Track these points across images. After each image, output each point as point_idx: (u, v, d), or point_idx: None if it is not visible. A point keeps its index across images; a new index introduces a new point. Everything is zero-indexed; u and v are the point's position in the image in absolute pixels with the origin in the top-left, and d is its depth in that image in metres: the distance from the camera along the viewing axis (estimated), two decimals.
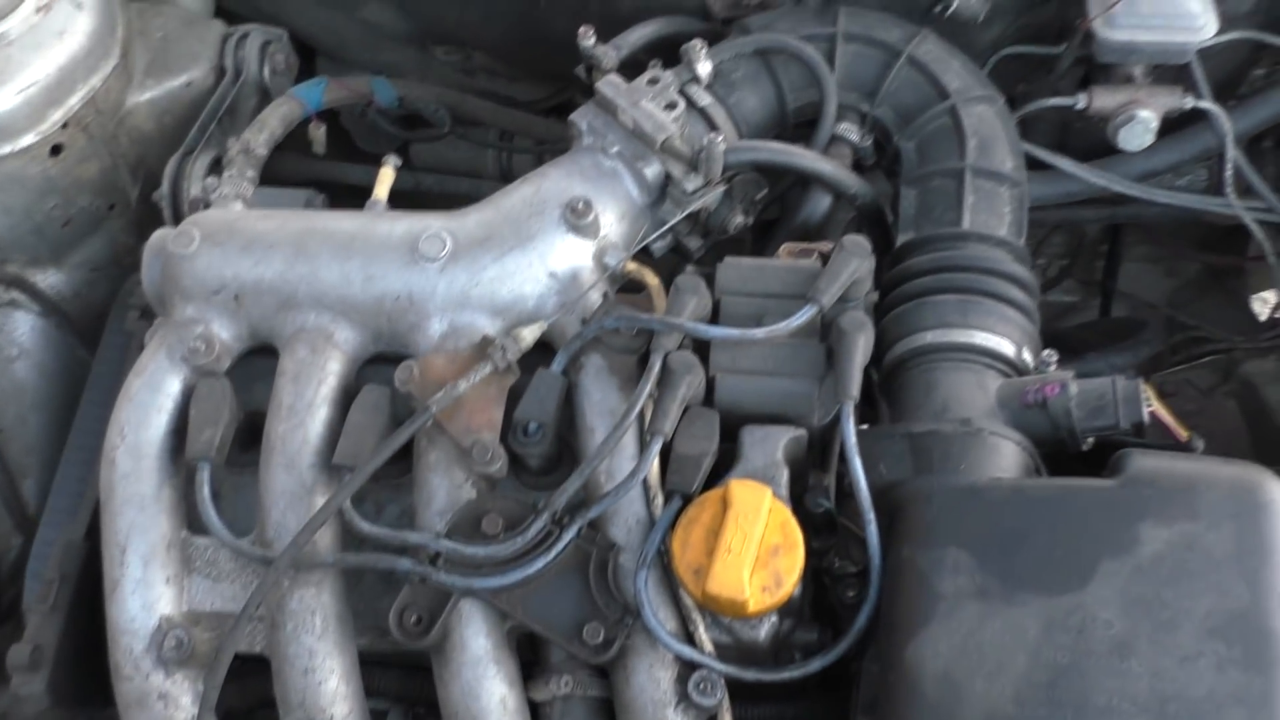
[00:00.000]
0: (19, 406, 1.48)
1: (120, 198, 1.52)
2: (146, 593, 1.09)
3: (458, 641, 1.05)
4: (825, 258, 1.16)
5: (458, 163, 1.79)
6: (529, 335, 1.12)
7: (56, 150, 1.40)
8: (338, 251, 1.17)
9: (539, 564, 1.03)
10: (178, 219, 1.42)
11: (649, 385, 1.06)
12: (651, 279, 1.18)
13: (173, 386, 1.16)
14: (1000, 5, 1.38)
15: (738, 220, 1.26)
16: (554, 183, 1.20)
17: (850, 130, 1.32)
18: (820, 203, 1.31)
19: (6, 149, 1.35)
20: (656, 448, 1.04)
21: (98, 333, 1.51)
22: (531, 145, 1.73)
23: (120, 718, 1.08)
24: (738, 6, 1.41)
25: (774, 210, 1.39)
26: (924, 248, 1.22)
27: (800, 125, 1.35)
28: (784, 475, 1.05)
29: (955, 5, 1.35)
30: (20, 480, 1.48)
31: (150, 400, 1.15)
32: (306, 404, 1.13)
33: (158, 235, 1.22)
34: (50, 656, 1.15)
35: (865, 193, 1.29)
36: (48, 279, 1.49)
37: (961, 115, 1.28)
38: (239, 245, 1.18)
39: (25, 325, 1.48)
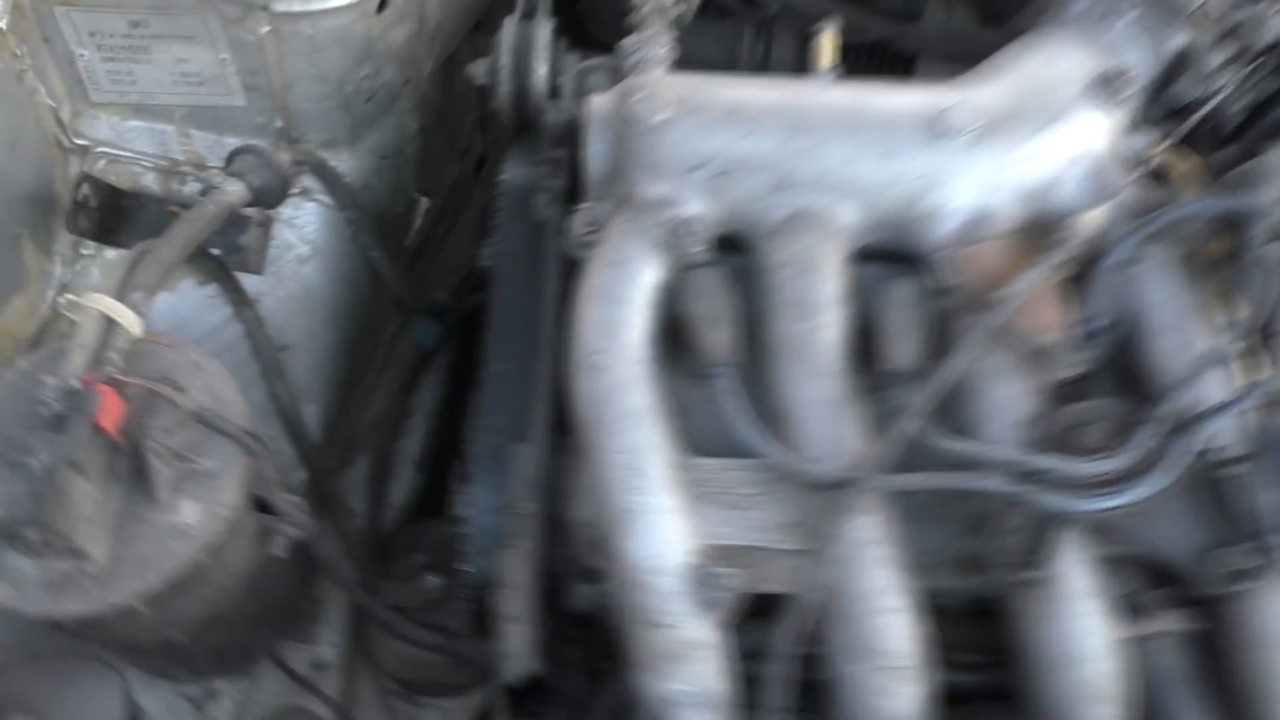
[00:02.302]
0: (308, 319, 1.25)
1: (415, 72, 1.29)
2: (669, 524, 0.91)
3: (1058, 574, 0.90)
4: None
5: (705, 52, 1.61)
6: (1086, 224, 0.98)
7: (383, 5, 1.16)
8: (843, 125, 0.99)
9: (1158, 482, 0.90)
10: (522, 98, 1.20)
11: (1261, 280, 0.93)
12: (1183, 163, 1.05)
13: (648, 278, 0.96)
14: None
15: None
16: (1069, 53, 1.04)
17: None
18: None
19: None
20: None
21: (382, 232, 1.29)
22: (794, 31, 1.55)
23: (641, 671, 0.90)
24: None
25: None
26: None
27: None
28: None
29: None
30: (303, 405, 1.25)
31: (629, 295, 0.96)
32: (821, 300, 0.96)
33: (604, 102, 1.01)
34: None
35: None
36: (340, 165, 1.25)
37: None
38: (720, 114, 0.99)
39: (317, 220, 1.24)
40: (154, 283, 0.99)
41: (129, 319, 0.95)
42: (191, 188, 1.20)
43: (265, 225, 1.15)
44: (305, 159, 1.20)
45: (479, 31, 1.44)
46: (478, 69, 1.23)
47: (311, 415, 1.26)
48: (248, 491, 0.95)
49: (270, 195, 1.12)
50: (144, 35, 1.11)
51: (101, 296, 0.94)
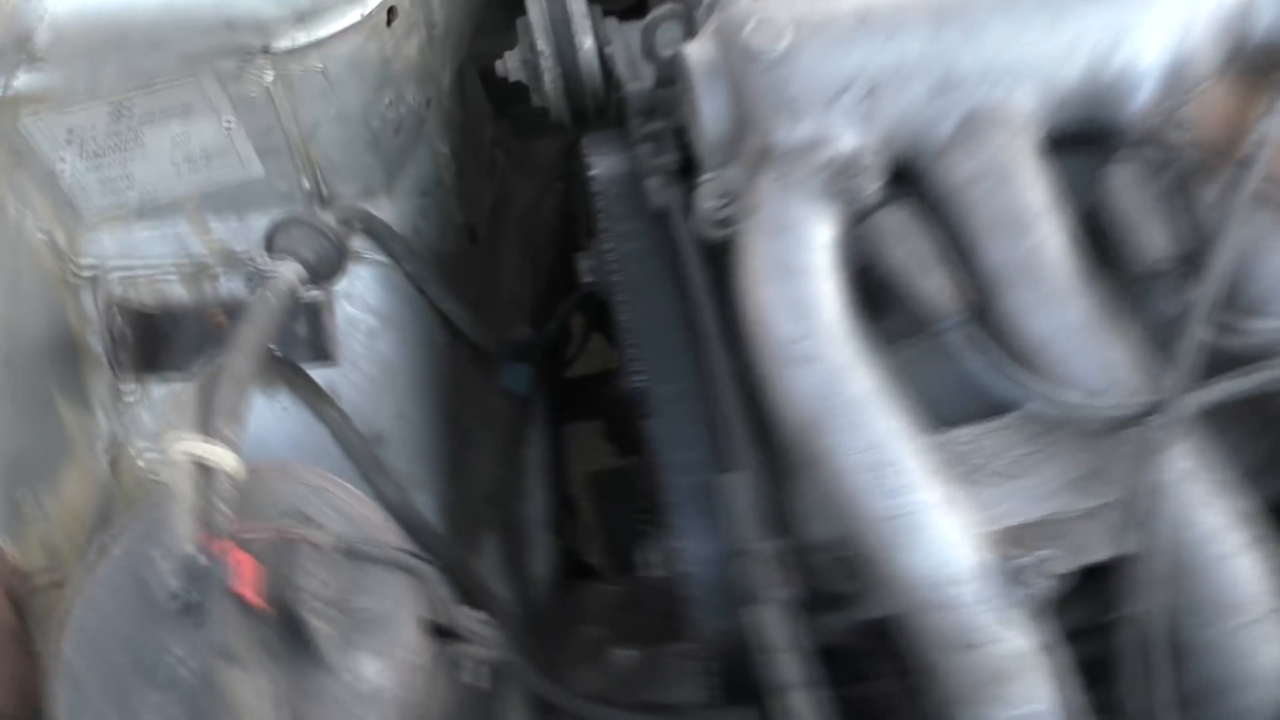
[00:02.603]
0: (395, 399, 1.06)
1: (435, 89, 1.11)
2: (946, 521, 0.74)
3: None
4: None
5: None
6: None
7: (391, 15, 0.98)
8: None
9: None
10: (573, 81, 1.02)
11: None
12: None
13: (823, 237, 0.79)
14: None
15: None
16: None
17: None
18: None
19: (352, 17, 0.93)
20: None
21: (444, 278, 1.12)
22: None
23: (963, 704, 0.73)
24: None
25: None
26: None
27: None
28: None
29: None
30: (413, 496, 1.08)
31: (809, 264, 0.79)
32: (1033, 209, 0.79)
33: (704, 48, 0.84)
34: None
35: None
36: (383, 214, 1.07)
37: None
38: (850, 24, 0.81)
39: (375, 284, 1.05)
40: (237, 407, 0.81)
41: (224, 458, 0.77)
42: (227, 285, 1.02)
43: (328, 304, 0.98)
44: (350, 216, 1.02)
45: (478, 37, 1.26)
46: (510, 63, 1.06)
47: (425, 504, 1.08)
48: (425, 622, 0.77)
49: (328, 267, 0.95)
50: (131, 123, 0.93)
51: (186, 439, 0.77)
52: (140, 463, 0.93)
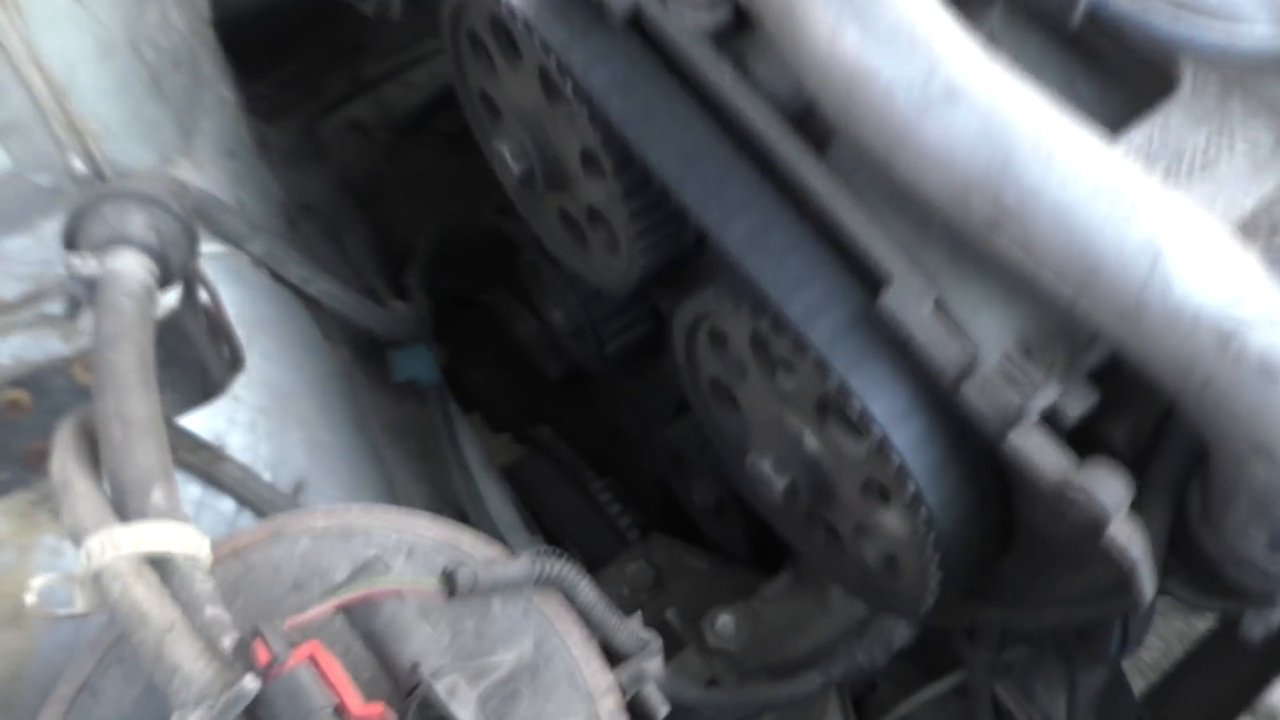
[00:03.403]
0: (304, 428, 0.74)
1: (192, 10, 0.80)
2: (1205, 228, 0.55)
3: None
4: None
5: None
6: None
7: None
8: None
9: None
10: None
11: None
12: None
13: None
14: None
15: None
16: None
17: None
18: None
19: None
20: None
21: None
22: None
23: None
24: None
25: None
26: None
27: None
28: None
29: None
30: None
31: None
32: None
33: None
34: None
35: None
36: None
37: None
38: None
39: (225, 280, 0.73)
40: (155, 465, 0.50)
41: (183, 539, 0.47)
42: (13, 341, 0.67)
43: (191, 308, 0.66)
44: (170, 187, 0.70)
45: None
46: None
47: None
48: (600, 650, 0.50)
49: (178, 251, 0.63)
50: None
51: (110, 537, 0.45)
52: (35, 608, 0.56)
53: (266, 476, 0.73)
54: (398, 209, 1.20)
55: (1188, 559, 0.65)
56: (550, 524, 1.11)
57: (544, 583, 0.49)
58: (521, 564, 0.48)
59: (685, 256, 0.76)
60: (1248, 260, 0.55)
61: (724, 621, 0.79)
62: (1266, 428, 0.54)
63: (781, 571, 0.85)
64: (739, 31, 0.67)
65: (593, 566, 1.06)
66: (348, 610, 0.45)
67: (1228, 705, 1.18)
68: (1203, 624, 1.46)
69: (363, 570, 0.46)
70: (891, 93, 0.56)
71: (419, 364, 0.92)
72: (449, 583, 0.46)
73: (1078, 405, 0.61)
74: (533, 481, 1.14)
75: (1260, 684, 1.24)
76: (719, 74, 0.63)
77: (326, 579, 0.48)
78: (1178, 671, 1.22)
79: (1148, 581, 0.57)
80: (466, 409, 1.13)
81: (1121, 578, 0.58)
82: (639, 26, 0.65)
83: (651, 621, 0.57)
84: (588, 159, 0.71)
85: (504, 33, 0.71)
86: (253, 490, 0.71)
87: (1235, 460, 0.57)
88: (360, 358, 0.93)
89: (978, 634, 0.84)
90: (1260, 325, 0.54)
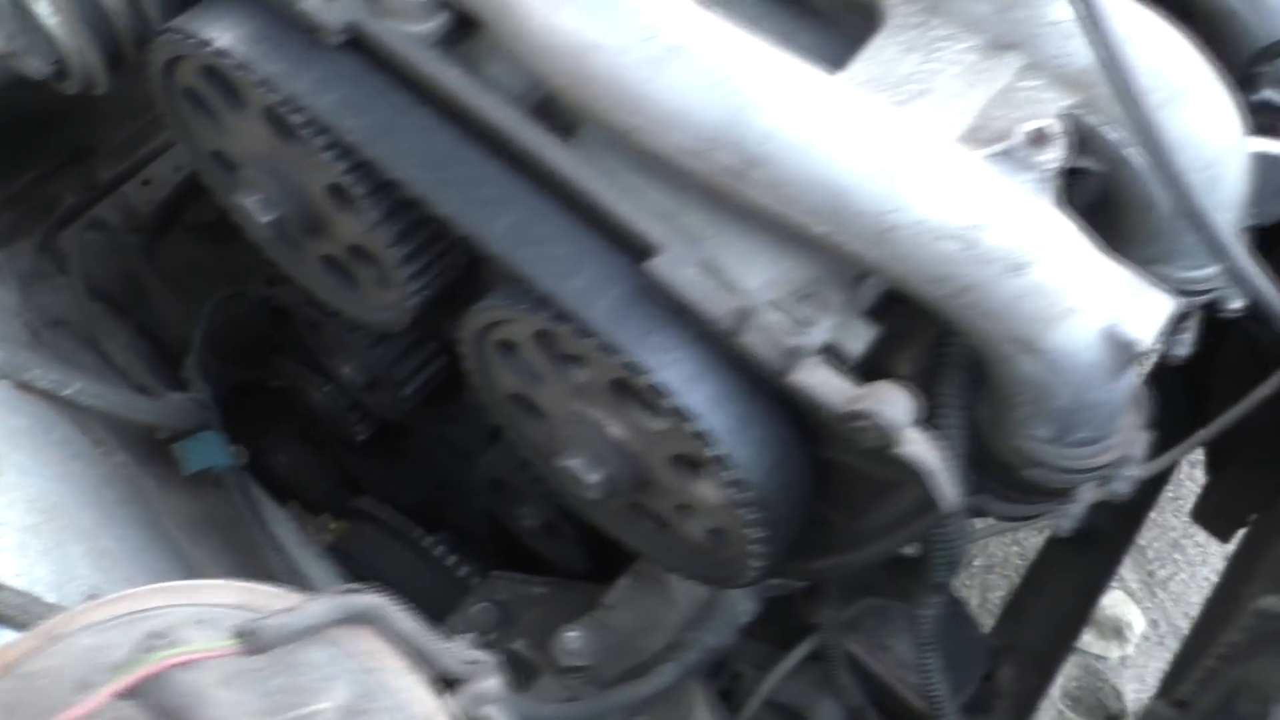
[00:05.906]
0: (82, 540, 0.69)
1: None
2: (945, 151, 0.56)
3: None
4: None
5: None
6: None
7: None
8: None
9: None
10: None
11: None
12: None
13: None
14: None
15: None
16: None
17: None
18: None
19: None
20: None
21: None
22: None
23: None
24: None
25: None
26: None
27: None
28: None
29: None
30: None
31: None
32: None
33: None
34: None
35: None
36: None
37: None
38: None
39: None
40: None
41: None
42: None
43: None
44: None
45: None
46: None
47: None
48: (426, 676, 0.47)
49: None
50: None
51: None
52: None
53: (51, 598, 0.68)
54: (164, 309, 1.14)
55: (992, 474, 0.67)
56: (388, 591, 1.07)
57: (352, 620, 0.47)
58: (323, 604, 0.46)
59: (460, 279, 0.75)
60: (977, 166, 0.58)
61: (571, 638, 0.77)
62: (1023, 320, 0.57)
63: (620, 577, 0.84)
64: (465, 36, 0.67)
65: (440, 621, 1.04)
66: (135, 694, 0.41)
67: (1069, 614, 1.24)
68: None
69: (143, 647, 0.42)
70: (617, 60, 0.57)
71: (209, 451, 0.87)
72: (246, 639, 0.43)
73: (858, 340, 0.62)
74: (360, 552, 1.10)
75: (1093, 591, 1.30)
76: (448, 77, 0.63)
77: (104, 667, 0.44)
78: (1019, 595, 1.27)
79: (948, 486, 0.59)
80: (281, 498, 1.08)
81: (926, 490, 0.59)
82: (359, 45, 0.64)
83: (502, 657, 0.55)
84: (336, 192, 0.69)
85: (220, 80, 0.68)
86: (37, 615, 0.65)
87: (1003, 360, 0.59)
88: (143, 458, 0.87)
89: (821, 594, 0.85)
90: (996, 224, 0.57)
